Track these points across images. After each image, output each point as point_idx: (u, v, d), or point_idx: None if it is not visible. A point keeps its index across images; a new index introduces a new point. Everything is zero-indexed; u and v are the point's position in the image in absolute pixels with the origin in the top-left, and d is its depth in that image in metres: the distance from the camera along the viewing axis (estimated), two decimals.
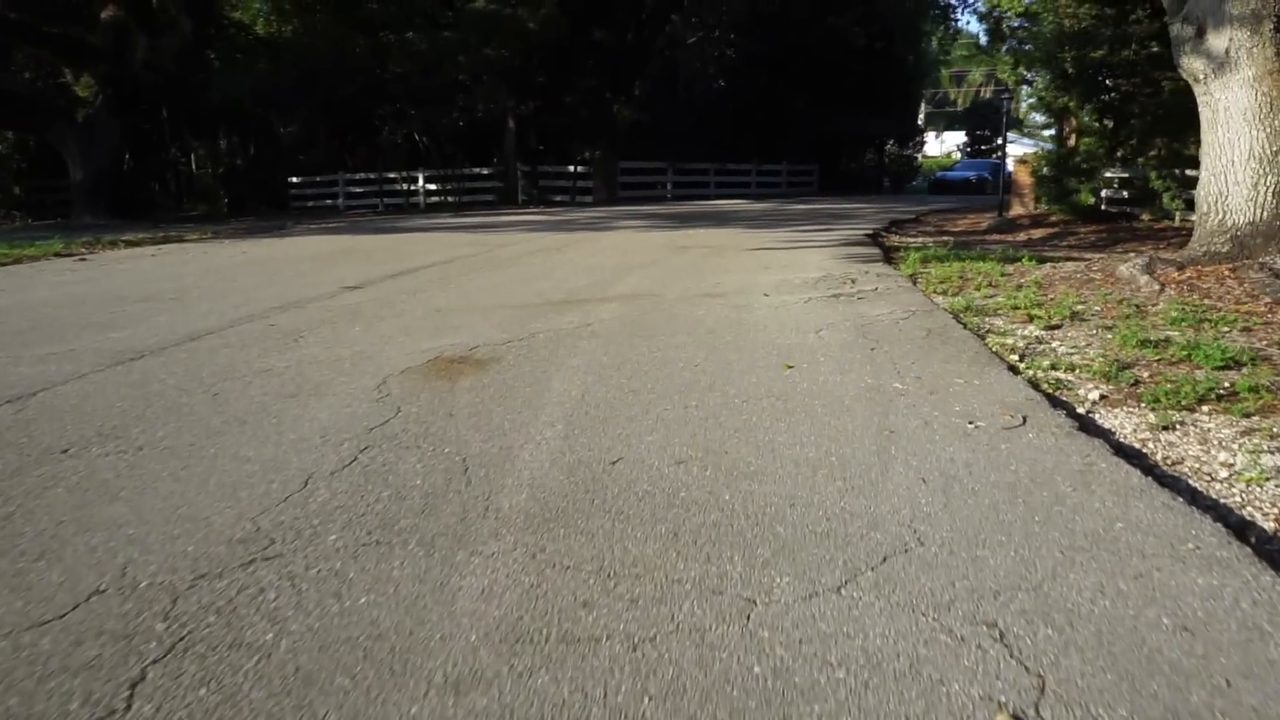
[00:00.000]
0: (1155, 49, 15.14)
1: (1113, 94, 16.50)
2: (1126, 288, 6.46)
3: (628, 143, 26.40)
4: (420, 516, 2.52)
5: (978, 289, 6.85)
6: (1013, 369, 4.29)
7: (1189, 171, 16.03)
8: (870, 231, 13.68)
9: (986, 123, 46.44)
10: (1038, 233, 15.09)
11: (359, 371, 4.28)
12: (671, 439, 3.21)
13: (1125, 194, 17.77)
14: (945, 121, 57.95)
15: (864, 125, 34.26)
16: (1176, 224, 16.14)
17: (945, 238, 13.98)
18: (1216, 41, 6.42)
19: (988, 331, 5.24)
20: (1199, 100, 7.03)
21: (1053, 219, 16.97)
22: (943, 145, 52.28)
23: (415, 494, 2.70)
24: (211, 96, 26.85)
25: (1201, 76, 6.72)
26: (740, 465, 2.93)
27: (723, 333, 5.16)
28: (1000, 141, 50.24)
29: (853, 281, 7.22)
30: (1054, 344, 4.90)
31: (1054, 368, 4.36)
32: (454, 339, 5.05)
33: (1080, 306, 5.85)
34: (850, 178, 35.66)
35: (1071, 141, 18.03)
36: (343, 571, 2.17)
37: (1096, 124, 16.27)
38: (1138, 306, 5.80)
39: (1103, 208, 17.50)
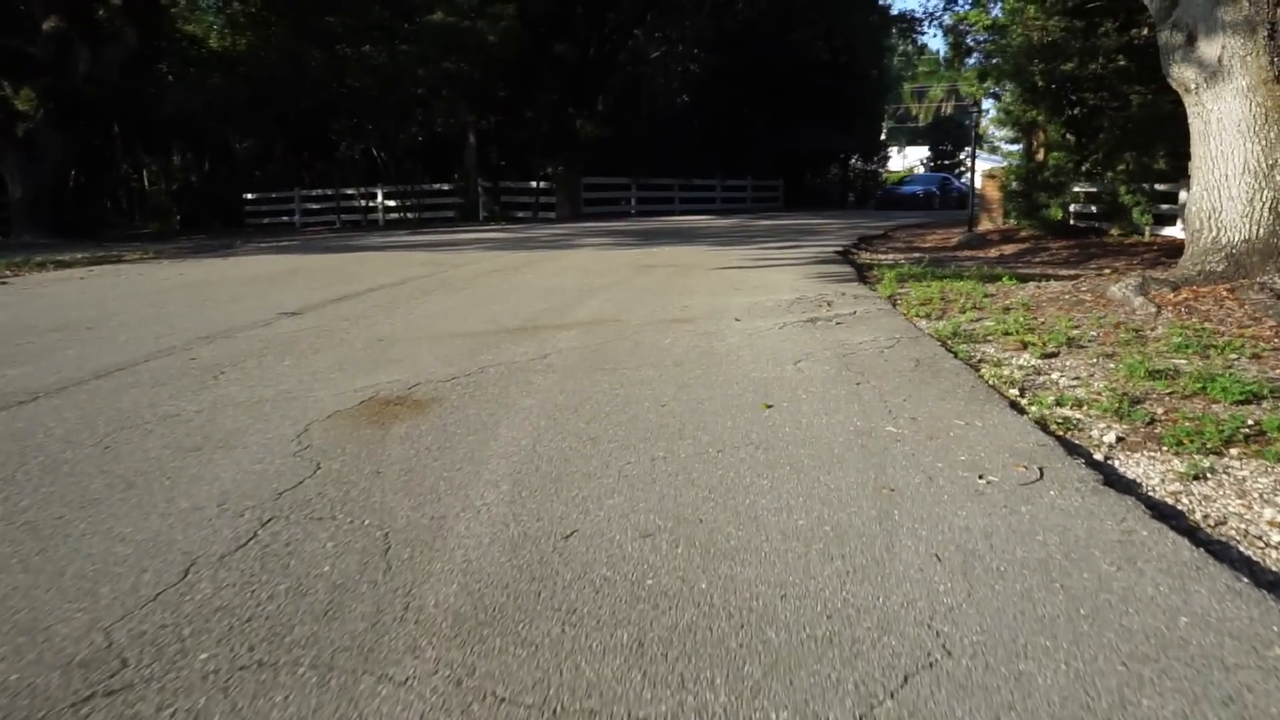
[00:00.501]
0: (1122, 62, 15.01)
1: (1079, 108, 16.35)
2: (1120, 310, 6.09)
3: (591, 158, 25.99)
4: (321, 621, 2.01)
5: (962, 311, 6.45)
6: (1015, 406, 3.86)
7: (1158, 186, 15.92)
8: (840, 248, 13.33)
9: (948, 138, 46.64)
10: (1009, 248, 14.84)
11: (280, 416, 3.75)
12: (637, 503, 2.73)
13: (1093, 209, 17.63)
14: (908, 137, 58.28)
15: (828, 140, 34.15)
16: (1146, 239, 15.98)
17: (916, 254, 13.66)
18: (1208, 49, 6.10)
19: (980, 361, 4.82)
20: (1189, 111, 6.71)
21: (1022, 234, 16.77)
22: (905, 160, 52.47)
23: (320, 586, 2.19)
24: (164, 111, 26.06)
25: (1192, 86, 6.39)
26: (718, 539, 2.45)
27: (692, 365, 4.69)
28: (963, 156, 50.60)
29: (829, 304, 6.80)
30: (1054, 375, 4.48)
31: (1059, 404, 3.93)
32: (394, 375, 4.53)
33: (1075, 331, 5.45)
34: (815, 193, 35.53)
35: (1039, 156, 17.87)
36: (204, 716, 1.66)
37: (1065, 138, 16.09)
38: (1136, 331, 5.41)
39: (1071, 222, 17.34)
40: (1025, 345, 5.13)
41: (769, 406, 3.83)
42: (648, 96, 30.83)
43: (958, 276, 8.90)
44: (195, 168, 31.36)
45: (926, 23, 20.63)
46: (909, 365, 4.59)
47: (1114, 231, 16.65)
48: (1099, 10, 14.04)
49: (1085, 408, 3.87)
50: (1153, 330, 5.43)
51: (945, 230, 19.09)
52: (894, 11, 55.20)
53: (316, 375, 4.56)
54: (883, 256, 12.90)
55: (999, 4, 15.86)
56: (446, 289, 8.11)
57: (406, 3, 21.67)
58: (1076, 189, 16.84)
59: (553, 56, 23.69)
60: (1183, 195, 16.11)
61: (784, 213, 28.69)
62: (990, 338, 5.44)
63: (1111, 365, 4.60)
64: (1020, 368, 4.64)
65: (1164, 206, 15.96)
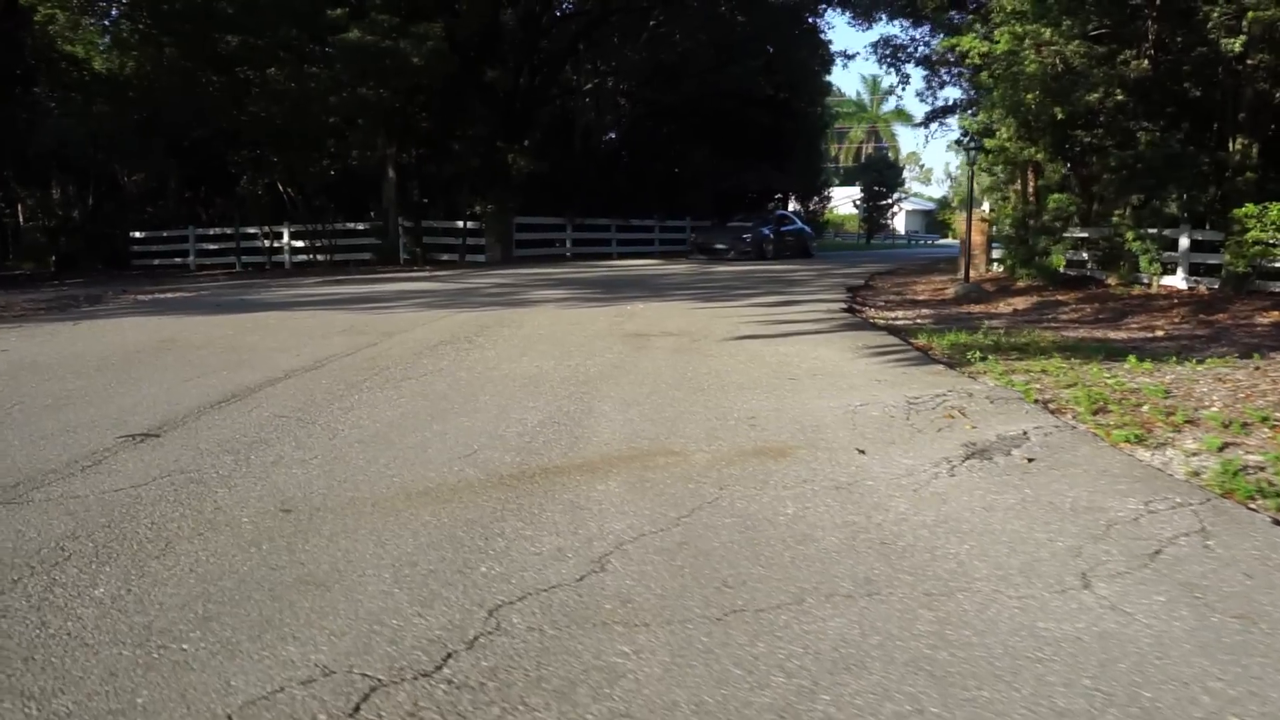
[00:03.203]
0: (1120, 97, 13.50)
1: (1078, 145, 14.82)
2: None
3: (523, 196, 23.66)
4: None
5: (1176, 429, 4.31)
6: None
7: (1167, 232, 14.42)
8: (842, 304, 11.32)
9: (882, 179, 45.76)
10: (1019, 303, 13.05)
11: None
12: None
13: (1084, 255, 16.10)
14: (838, 178, 57.69)
15: (767, 180, 32.55)
16: (1154, 290, 14.45)
17: (927, 310, 11.75)
18: None
19: None
20: None
21: (1019, 284, 15.06)
22: (830, 201, 51.56)
23: None
24: (42, 140, 22.89)
25: None
26: None
27: (889, 591, 2.45)
28: (895, 198, 49.95)
29: (960, 411, 4.63)
30: None
31: None
32: (316, 646, 2.17)
33: None
34: None
35: (1031, 198, 16.26)
36: None
37: (1066, 178, 14.52)
38: None
39: (1063, 270, 15.77)
40: None
41: None
42: (581, 131, 28.68)
43: (1045, 352, 6.88)
44: (78, 202, 27.92)
45: (887, 59, 19.06)
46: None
47: (1111, 281, 15.10)
48: (1118, 37, 12.52)
49: None
50: None
51: (927, 279, 17.35)
52: (835, 48, 54.73)
53: (150, 635, 2.17)
54: (897, 315, 10.92)
55: (981, 31, 14.19)
56: (382, 380, 5.69)
57: (317, 21, 19.13)
58: (1078, 234, 15.27)
59: (483, 84, 21.38)
60: (1183, 241, 14.69)
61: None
62: None
63: None
64: None
65: (1165, 255, 14.49)
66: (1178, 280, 14.58)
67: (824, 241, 37.73)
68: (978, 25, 13.97)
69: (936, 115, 27.00)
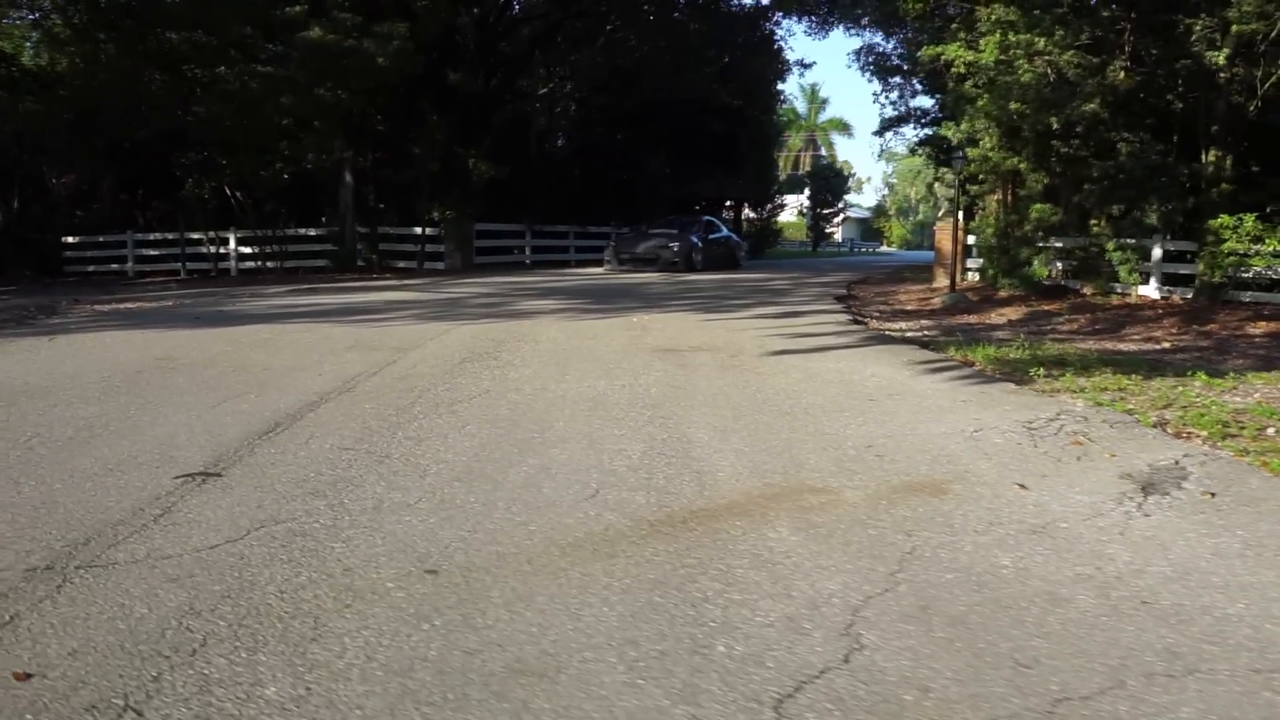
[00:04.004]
0: (1092, 107, 13.57)
1: (1053, 156, 14.88)
2: None
3: (482, 202, 23.03)
4: None
5: None
6: None
7: (1145, 242, 14.54)
8: (846, 316, 11.10)
9: (829, 186, 46.06)
10: (1009, 313, 12.99)
11: None
12: None
13: (1059, 265, 16.20)
14: (783, 185, 58.04)
15: (722, 187, 32.40)
16: (1133, 299, 14.57)
17: (925, 321, 11.60)
18: None
19: None
20: None
21: (1001, 294, 15.05)
22: (783, 209, 51.83)
23: None
24: None
25: None
26: None
27: (1203, 661, 2.13)
28: (841, 205, 50.42)
29: (1087, 438, 4.34)
30: None
31: None
32: None
33: None
34: None
35: (994, 209, 16.29)
36: None
37: (1048, 188, 14.54)
38: None
39: (1044, 280, 15.83)
40: None
41: None
42: (536, 135, 28.13)
43: (1087, 366, 6.69)
44: (1, 205, 26.44)
45: (869, 68, 19.05)
46: None
47: (1087, 290, 15.21)
48: (1099, 48, 12.54)
49: None
50: None
51: (901, 289, 17.28)
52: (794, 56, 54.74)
53: None
54: (900, 326, 10.73)
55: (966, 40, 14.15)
56: (430, 404, 5.20)
57: (271, 17, 18.28)
58: (1057, 244, 15.34)
59: (444, 87, 20.73)
60: (1156, 251, 14.86)
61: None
62: None
63: None
64: None
65: (1141, 264, 14.64)
66: (1150, 290, 14.73)
67: (774, 250, 37.74)
68: (962, 34, 13.91)
69: (891, 124, 27.20)
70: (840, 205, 45.38)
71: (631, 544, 2.95)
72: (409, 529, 3.08)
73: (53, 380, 5.82)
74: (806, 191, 46.86)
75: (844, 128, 52.92)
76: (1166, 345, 9.82)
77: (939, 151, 27.99)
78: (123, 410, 4.94)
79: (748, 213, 35.69)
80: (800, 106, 66.09)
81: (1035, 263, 14.63)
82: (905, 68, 18.56)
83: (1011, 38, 12.15)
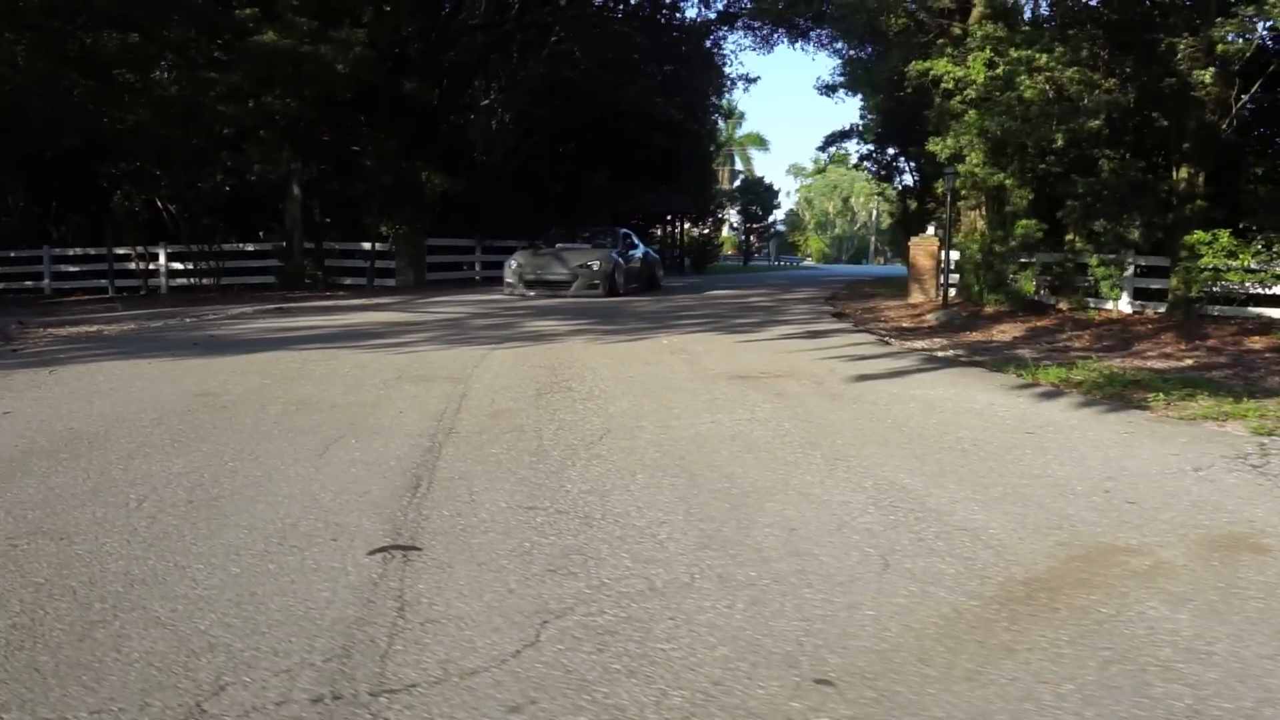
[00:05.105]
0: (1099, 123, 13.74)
1: (1031, 173, 15.02)
2: None
3: (434, 216, 22.21)
4: None
5: None
6: None
7: (1126, 257, 14.77)
8: (869, 336, 10.85)
9: (760, 201, 46.35)
10: (1008, 329, 12.94)
11: None
12: None
13: (1040, 280, 16.36)
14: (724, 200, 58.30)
15: (665, 201, 32.18)
16: (1114, 314, 14.77)
17: (938, 339, 11.44)
18: None
19: None
20: None
21: (987, 310, 15.06)
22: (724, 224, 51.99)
23: None
24: None
25: None
26: None
27: None
28: (772, 220, 50.78)
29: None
30: None
31: None
32: None
33: None
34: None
35: (979, 224, 16.37)
36: None
37: (1033, 204, 14.63)
38: None
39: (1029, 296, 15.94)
40: None
41: None
42: (481, 148, 27.38)
43: (1150, 386, 6.54)
44: None
45: (846, 87, 19.03)
46: None
47: (1063, 305, 15.38)
48: (1099, 63, 12.67)
49: None
50: None
51: (880, 304, 17.21)
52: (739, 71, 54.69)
53: None
54: (919, 345, 10.50)
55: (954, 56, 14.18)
56: (552, 445, 4.61)
57: (215, 19, 17.21)
58: (1044, 260, 15.46)
59: (398, 95, 19.89)
60: (1130, 266, 15.14)
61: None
62: None
63: None
64: None
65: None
66: (1123, 304, 14.98)
67: (715, 265, 37.67)
68: (950, 50, 13.91)
69: (835, 139, 27.42)
70: (770, 220, 45.70)
71: (1005, 629, 2.49)
72: (723, 618, 2.56)
73: (98, 424, 5.03)
74: (738, 206, 47.07)
75: (760, 143, 53.43)
76: (1190, 363, 9.79)
77: (880, 167, 28.39)
78: (217, 462, 4.23)
79: (689, 226, 35.53)
80: (719, 121, 66.59)
81: (1023, 279, 14.70)
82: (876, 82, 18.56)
83: (1012, 53, 12.16)
